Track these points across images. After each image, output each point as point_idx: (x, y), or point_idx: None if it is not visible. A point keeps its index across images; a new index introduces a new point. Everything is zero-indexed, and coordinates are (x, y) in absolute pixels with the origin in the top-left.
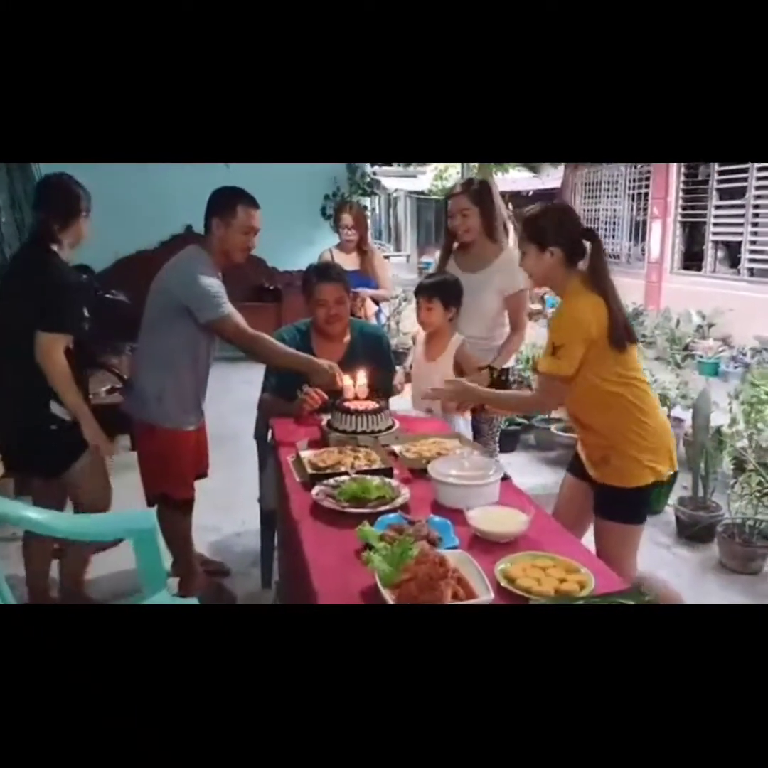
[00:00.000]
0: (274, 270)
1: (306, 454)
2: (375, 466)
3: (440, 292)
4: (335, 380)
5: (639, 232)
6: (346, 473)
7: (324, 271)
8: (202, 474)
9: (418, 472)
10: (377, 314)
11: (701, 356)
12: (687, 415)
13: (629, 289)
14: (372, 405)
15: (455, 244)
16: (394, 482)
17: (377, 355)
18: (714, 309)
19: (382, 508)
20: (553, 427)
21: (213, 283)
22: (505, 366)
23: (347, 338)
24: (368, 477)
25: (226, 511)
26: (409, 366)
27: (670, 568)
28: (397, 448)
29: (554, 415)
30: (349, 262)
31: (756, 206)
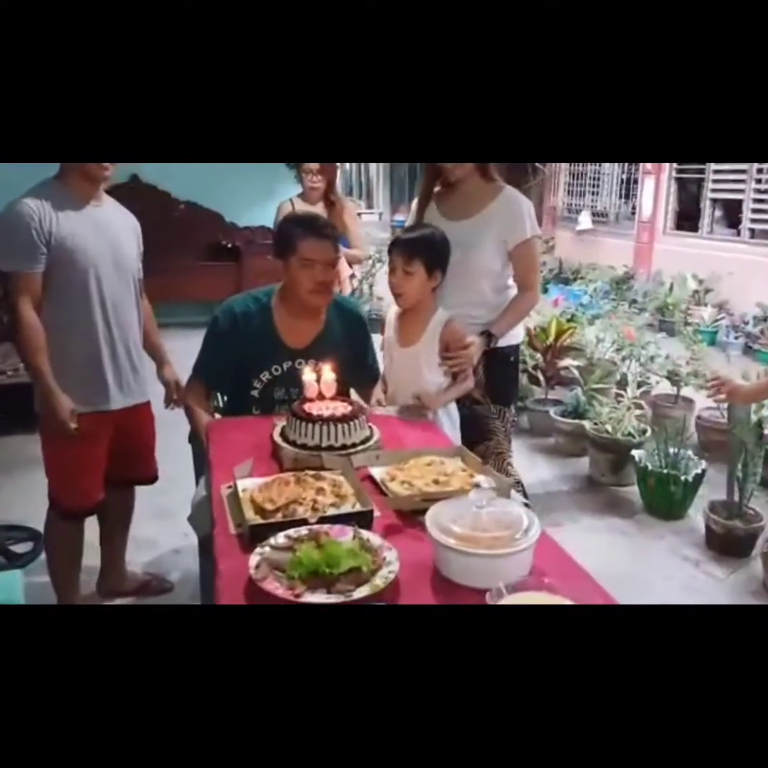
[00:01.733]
0: (233, 225)
1: (247, 486)
2: (346, 508)
3: (423, 251)
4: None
5: (629, 188)
6: (303, 522)
7: (311, 223)
8: (138, 478)
9: (409, 514)
10: (351, 278)
11: (698, 325)
12: (698, 396)
13: (617, 251)
14: (342, 408)
15: (436, 186)
16: (374, 539)
17: (355, 340)
18: (711, 273)
19: (357, 595)
20: (552, 411)
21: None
22: (513, 342)
23: (323, 316)
24: (335, 531)
25: (164, 518)
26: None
27: (700, 593)
28: (377, 474)
29: (552, 396)
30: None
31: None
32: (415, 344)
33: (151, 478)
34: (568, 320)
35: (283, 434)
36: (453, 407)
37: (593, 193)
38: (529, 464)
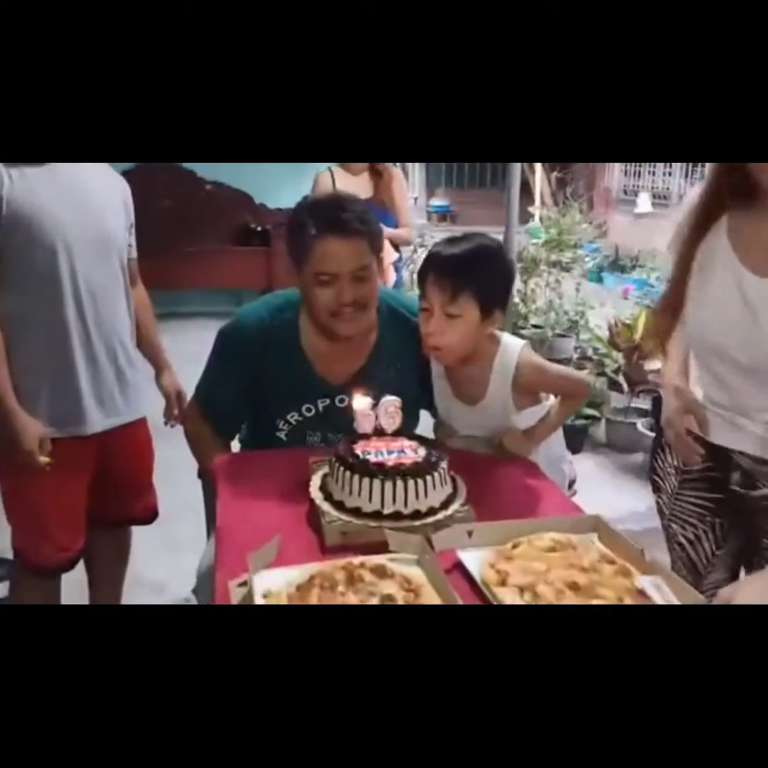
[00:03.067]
0: (262, 207)
1: (269, 588)
2: None
3: (475, 279)
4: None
5: (693, 167)
6: None
7: (333, 213)
8: (130, 517)
9: None
10: (397, 264)
11: None
12: None
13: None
14: (411, 451)
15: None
16: None
17: (421, 362)
18: None
19: None
20: (639, 424)
21: None
22: None
23: (374, 336)
24: None
25: (176, 554)
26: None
27: None
28: (473, 566)
29: (635, 404)
30: (357, 187)
31: None
32: (483, 400)
33: (148, 517)
34: None
35: (324, 488)
36: (557, 441)
37: (652, 174)
38: (613, 489)
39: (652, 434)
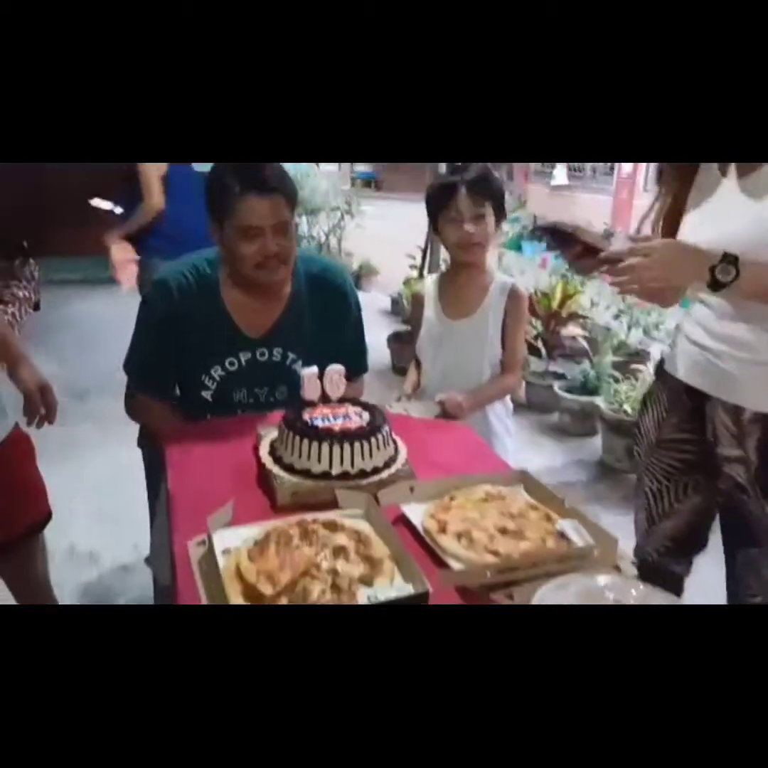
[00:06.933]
0: None
1: (229, 545)
2: (386, 589)
3: (493, 189)
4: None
5: None
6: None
7: (250, 172)
8: (18, 534)
9: (474, 590)
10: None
11: None
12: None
13: (595, 208)
14: (356, 416)
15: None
16: None
17: (336, 319)
18: None
19: None
20: (556, 386)
21: None
22: None
23: (288, 289)
24: None
25: (107, 525)
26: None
27: None
28: (416, 517)
29: (552, 368)
30: None
31: None
32: (473, 314)
33: (38, 525)
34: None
35: (273, 453)
36: (502, 410)
37: None
38: (532, 446)
39: (569, 396)
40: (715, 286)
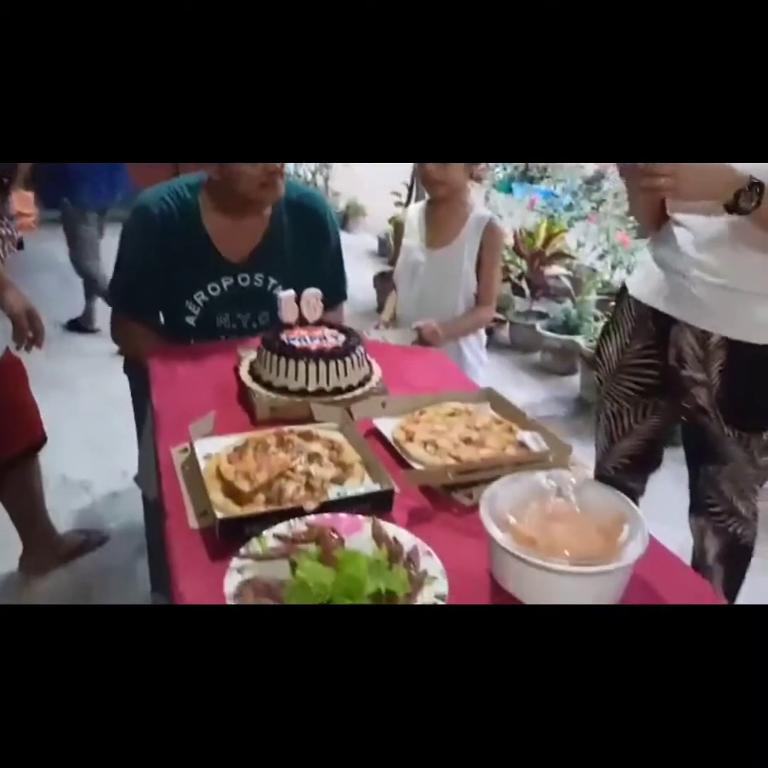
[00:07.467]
0: None
1: (210, 450)
2: (356, 487)
3: None
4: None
5: None
6: (298, 512)
7: None
8: (12, 455)
9: (437, 491)
10: None
11: None
12: None
13: None
14: (332, 338)
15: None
16: (403, 536)
17: (316, 245)
18: None
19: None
20: (538, 325)
21: None
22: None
23: (267, 215)
24: (344, 524)
25: (97, 453)
26: (390, 263)
27: None
28: (387, 430)
29: (536, 308)
30: None
31: None
32: (450, 244)
33: (35, 445)
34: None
35: (253, 372)
36: (476, 342)
37: None
38: (514, 383)
39: (551, 334)
40: (733, 209)
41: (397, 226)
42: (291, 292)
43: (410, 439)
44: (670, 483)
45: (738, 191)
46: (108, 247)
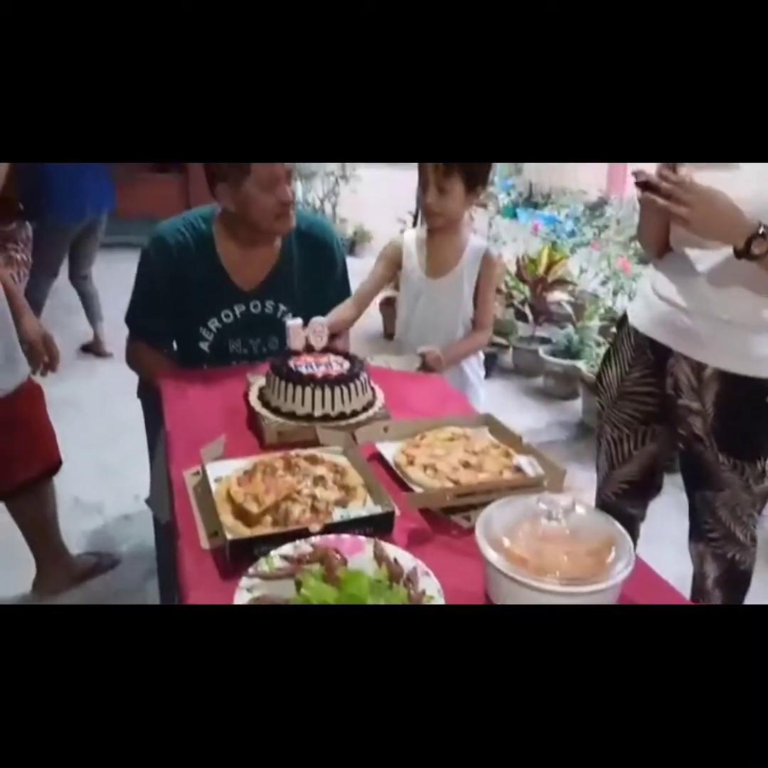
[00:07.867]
0: None
1: (221, 473)
2: (358, 510)
3: (463, 170)
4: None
5: None
6: (303, 533)
7: None
8: (25, 480)
9: (436, 513)
10: None
11: None
12: None
13: (590, 175)
14: (337, 364)
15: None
16: (403, 558)
17: (324, 274)
18: None
19: None
20: (541, 350)
21: None
22: None
23: (279, 246)
24: (347, 545)
25: (110, 476)
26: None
27: None
28: (388, 454)
29: (539, 333)
30: None
31: None
32: (449, 274)
33: (52, 468)
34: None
35: (262, 397)
36: (476, 362)
37: None
38: (517, 407)
39: (553, 359)
40: (744, 255)
41: (391, 250)
42: (298, 321)
43: (411, 463)
44: (671, 509)
45: (750, 238)
46: (103, 274)
